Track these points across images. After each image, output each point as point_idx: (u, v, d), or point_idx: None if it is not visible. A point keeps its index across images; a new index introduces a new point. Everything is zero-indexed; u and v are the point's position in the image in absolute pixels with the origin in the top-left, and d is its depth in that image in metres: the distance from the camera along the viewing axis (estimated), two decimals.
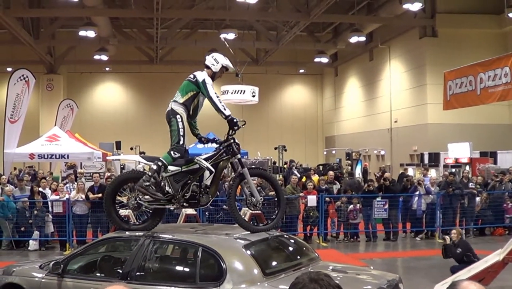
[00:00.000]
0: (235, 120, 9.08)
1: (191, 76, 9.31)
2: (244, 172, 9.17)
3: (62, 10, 34.98)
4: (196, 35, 44.62)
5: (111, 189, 9.65)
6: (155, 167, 8.98)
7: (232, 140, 9.12)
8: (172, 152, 8.99)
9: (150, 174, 8.97)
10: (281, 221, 10.19)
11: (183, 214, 14.83)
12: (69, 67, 48.62)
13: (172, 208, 9.85)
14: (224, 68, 9.49)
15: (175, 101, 9.24)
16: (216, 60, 9.42)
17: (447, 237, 14.22)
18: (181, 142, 9.07)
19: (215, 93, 9.06)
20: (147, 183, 8.95)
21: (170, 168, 9.11)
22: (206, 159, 9.07)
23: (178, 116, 9.13)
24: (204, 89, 9.11)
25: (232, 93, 36.62)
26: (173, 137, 9.18)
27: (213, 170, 9.06)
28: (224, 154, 9.17)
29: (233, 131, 9.18)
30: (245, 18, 38.99)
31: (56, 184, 21.19)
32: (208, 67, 9.41)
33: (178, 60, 46.63)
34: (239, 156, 9.21)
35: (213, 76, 9.40)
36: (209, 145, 10.12)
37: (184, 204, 9.30)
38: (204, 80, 9.13)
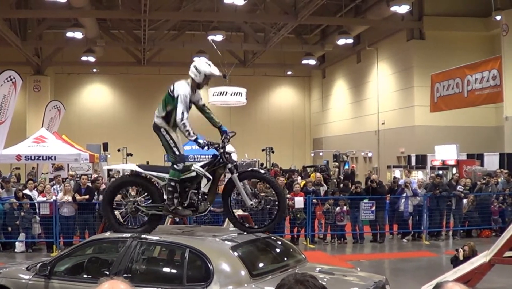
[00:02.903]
0: (200, 142, 8.89)
1: (171, 88, 9.01)
2: (233, 178, 9.09)
3: (50, 11, 34.85)
4: (184, 36, 44.58)
5: (110, 190, 9.66)
6: (170, 189, 8.94)
7: (222, 151, 8.98)
8: (175, 166, 8.92)
9: (170, 196, 8.95)
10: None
11: None
12: (56, 69, 48.47)
13: (171, 216, 9.75)
14: (209, 76, 9.03)
15: (156, 115, 9.14)
16: (198, 69, 8.94)
17: (461, 251, 14.06)
18: (177, 153, 9.03)
19: (185, 114, 8.76)
20: (173, 207, 8.96)
21: (167, 176, 9.05)
22: (203, 166, 9.05)
23: (162, 129, 9.07)
24: (176, 105, 8.85)
25: (231, 95, 37.21)
26: (168, 152, 9.19)
27: (210, 177, 9.01)
28: (220, 161, 9.06)
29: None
30: (233, 20, 38.99)
31: (42, 185, 21.07)
32: (192, 78, 9.06)
33: (165, 62, 46.66)
34: (229, 165, 9.04)
35: (198, 85, 9.14)
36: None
37: None
38: (178, 96, 8.82)
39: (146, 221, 9.42)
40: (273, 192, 10.27)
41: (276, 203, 9.89)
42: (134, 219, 10.56)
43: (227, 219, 11.23)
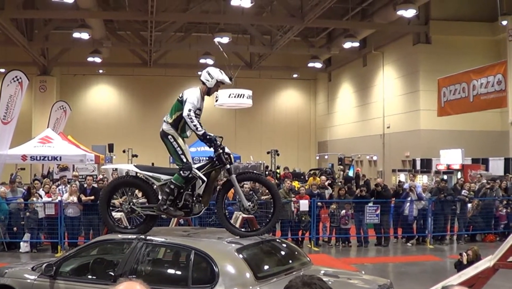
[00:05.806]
0: (208, 136, 9.02)
1: (180, 95, 9.23)
2: (232, 179, 9.15)
3: (56, 12, 34.91)
4: (190, 38, 44.63)
5: (106, 192, 9.70)
6: (167, 190, 8.99)
7: (221, 151, 9.04)
8: (181, 172, 8.95)
9: (165, 197, 9.00)
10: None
11: None
12: (62, 69, 48.57)
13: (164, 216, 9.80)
14: (220, 83, 9.30)
15: (165, 120, 9.25)
16: (211, 75, 9.21)
17: (464, 255, 14.08)
18: (185, 160, 9.05)
19: (192, 112, 8.90)
20: (165, 207, 9.01)
21: (162, 177, 9.17)
22: (198, 168, 9.09)
23: (169, 136, 9.15)
24: (183, 106, 9.02)
25: (247, 97, 37.55)
26: (175, 159, 9.26)
27: (205, 179, 9.08)
28: (216, 163, 9.14)
29: (212, 148, 9.16)
30: (240, 22, 38.97)
31: (48, 186, 21.11)
32: (203, 83, 9.28)
33: (171, 64, 46.71)
34: (228, 166, 9.11)
35: (209, 91, 9.33)
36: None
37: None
38: (186, 98, 9.01)
39: (141, 222, 9.49)
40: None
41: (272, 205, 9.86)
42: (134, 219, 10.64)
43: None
